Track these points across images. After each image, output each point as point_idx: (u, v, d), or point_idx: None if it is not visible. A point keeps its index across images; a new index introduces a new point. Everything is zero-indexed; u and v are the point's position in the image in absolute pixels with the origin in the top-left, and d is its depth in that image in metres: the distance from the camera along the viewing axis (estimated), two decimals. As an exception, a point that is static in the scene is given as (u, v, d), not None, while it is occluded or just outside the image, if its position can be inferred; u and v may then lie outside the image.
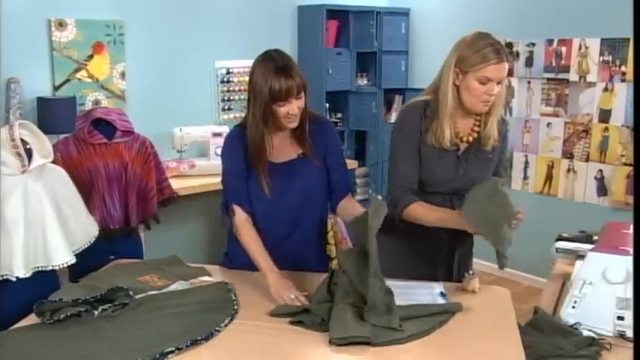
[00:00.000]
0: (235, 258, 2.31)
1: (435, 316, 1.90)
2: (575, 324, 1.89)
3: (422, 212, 2.14)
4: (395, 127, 2.25)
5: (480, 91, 2.06)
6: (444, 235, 2.23)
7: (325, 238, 2.41)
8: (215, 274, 2.31)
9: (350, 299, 1.90)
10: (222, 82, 4.67)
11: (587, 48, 4.28)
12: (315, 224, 2.34)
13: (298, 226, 2.27)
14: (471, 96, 2.09)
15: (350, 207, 2.28)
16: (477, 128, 2.20)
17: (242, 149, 2.21)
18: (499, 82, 2.07)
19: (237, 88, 4.72)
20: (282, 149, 2.23)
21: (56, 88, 3.92)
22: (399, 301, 2.02)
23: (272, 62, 2.10)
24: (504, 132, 2.27)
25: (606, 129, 4.24)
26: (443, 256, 2.31)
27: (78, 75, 3.99)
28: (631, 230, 2.16)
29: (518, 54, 4.68)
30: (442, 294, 2.10)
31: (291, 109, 2.11)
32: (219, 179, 2.33)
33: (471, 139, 2.20)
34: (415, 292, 2.12)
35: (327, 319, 1.83)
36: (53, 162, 2.24)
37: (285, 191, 2.22)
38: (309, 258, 2.32)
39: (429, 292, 2.11)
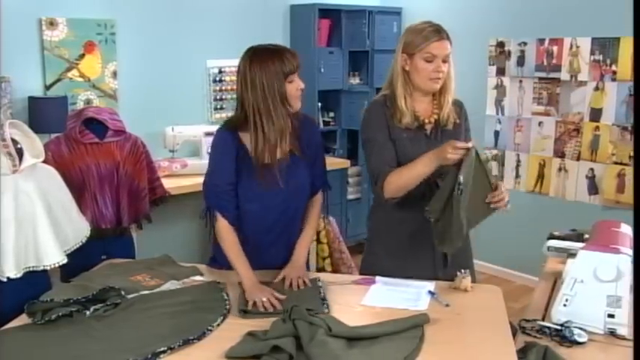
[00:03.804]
0: (221, 260, 2.31)
1: (412, 332, 1.83)
2: (567, 322, 1.90)
3: (398, 174, 2.20)
4: (362, 125, 2.37)
5: (428, 69, 2.22)
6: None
7: (317, 237, 2.42)
8: (207, 274, 2.31)
9: (319, 329, 1.77)
10: (215, 81, 4.66)
11: (578, 47, 4.30)
12: (300, 219, 2.37)
13: (287, 222, 2.30)
14: (420, 76, 2.24)
15: (310, 209, 2.37)
16: (436, 110, 2.32)
17: (234, 151, 2.20)
18: (445, 61, 2.22)
19: (229, 88, 4.71)
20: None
21: (47, 88, 3.90)
22: (379, 302, 2.05)
23: (264, 49, 2.15)
24: (464, 112, 2.39)
25: (597, 128, 4.26)
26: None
27: (69, 74, 3.98)
28: (621, 229, 2.17)
29: (509, 53, 4.69)
30: (430, 292, 2.12)
31: (299, 85, 2.17)
32: (210, 179, 2.32)
33: (432, 120, 2.31)
34: (401, 290, 2.15)
35: (295, 354, 1.67)
36: (44, 161, 2.23)
37: (275, 189, 2.21)
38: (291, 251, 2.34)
39: (416, 291, 2.13)
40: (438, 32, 2.21)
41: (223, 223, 2.23)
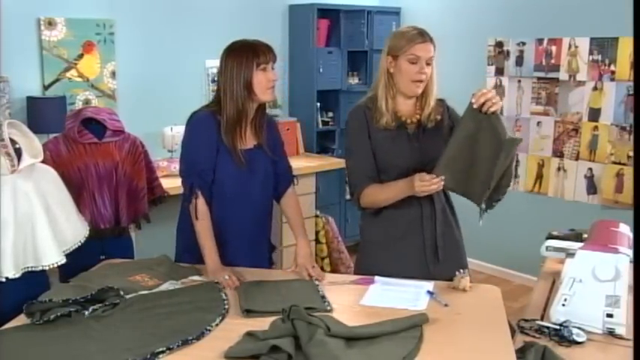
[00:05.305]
0: (183, 258, 2.44)
1: (411, 332, 1.83)
2: (565, 322, 1.90)
3: (374, 191, 2.30)
4: (345, 131, 2.47)
5: (412, 71, 2.25)
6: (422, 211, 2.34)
7: (316, 237, 2.45)
8: (206, 274, 2.30)
9: (318, 329, 1.76)
10: (213, 81, 4.65)
11: (576, 47, 4.30)
12: (266, 212, 2.49)
13: (254, 214, 2.42)
14: (403, 78, 2.27)
15: (292, 204, 2.50)
16: (419, 111, 2.36)
17: (215, 132, 2.30)
18: (428, 63, 2.26)
19: (228, 88, 4.70)
20: (242, 137, 2.34)
21: (46, 88, 3.90)
22: (378, 302, 2.05)
23: (244, 42, 2.30)
24: (447, 109, 2.39)
25: (596, 127, 4.27)
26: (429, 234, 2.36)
27: (68, 74, 3.97)
28: (620, 228, 2.18)
29: (508, 53, 4.70)
30: (429, 292, 2.12)
31: (272, 76, 2.28)
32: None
33: (414, 120, 2.35)
34: (400, 290, 2.15)
35: (293, 354, 1.66)
36: (43, 161, 2.23)
37: (245, 178, 2.33)
38: (261, 247, 2.48)
39: (415, 291, 2.14)
40: (421, 35, 2.27)
41: (203, 205, 2.31)
